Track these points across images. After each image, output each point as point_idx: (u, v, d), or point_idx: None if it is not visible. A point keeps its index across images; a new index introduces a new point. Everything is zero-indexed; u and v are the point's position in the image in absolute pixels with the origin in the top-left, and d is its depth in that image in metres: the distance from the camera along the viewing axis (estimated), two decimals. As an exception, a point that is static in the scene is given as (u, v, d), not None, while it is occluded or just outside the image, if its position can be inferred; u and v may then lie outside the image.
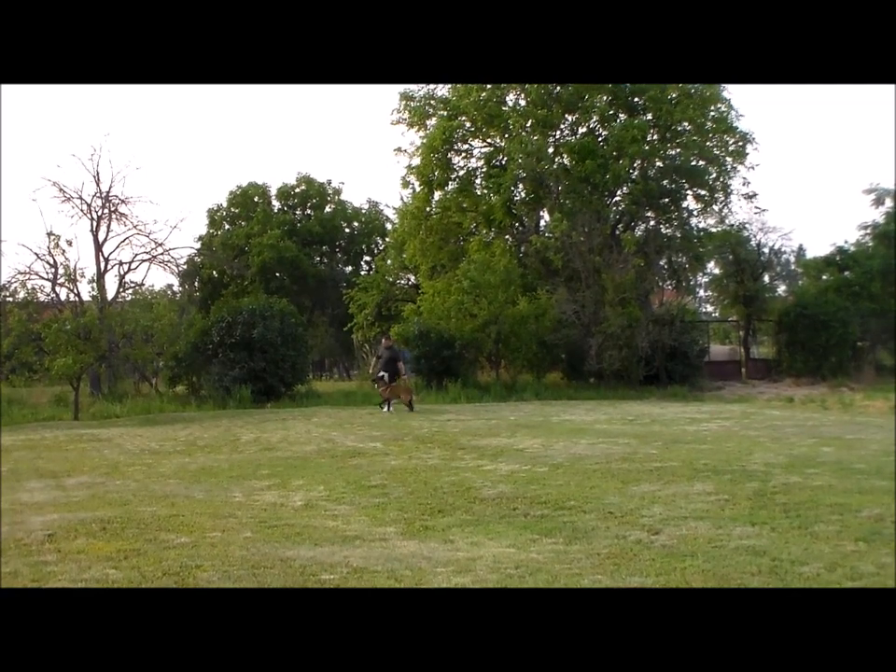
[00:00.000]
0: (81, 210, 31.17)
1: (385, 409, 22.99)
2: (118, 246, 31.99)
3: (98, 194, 31.24)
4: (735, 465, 11.73)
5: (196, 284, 50.02)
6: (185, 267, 41.58)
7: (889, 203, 39.76)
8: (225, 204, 52.45)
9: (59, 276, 29.30)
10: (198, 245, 48.71)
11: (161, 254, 32.67)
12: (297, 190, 52.69)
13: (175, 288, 47.60)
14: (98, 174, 31.22)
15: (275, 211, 52.08)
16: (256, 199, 52.05)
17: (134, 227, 31.58)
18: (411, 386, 25.55)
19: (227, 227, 52.37)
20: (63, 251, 28.84)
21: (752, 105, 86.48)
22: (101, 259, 31.42)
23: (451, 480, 11.29)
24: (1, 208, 54.30)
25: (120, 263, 31.88)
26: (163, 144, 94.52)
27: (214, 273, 49.90)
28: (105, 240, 31.64)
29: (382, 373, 23.47)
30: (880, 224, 38.83)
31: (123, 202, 31.45)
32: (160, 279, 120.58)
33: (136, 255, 31.98)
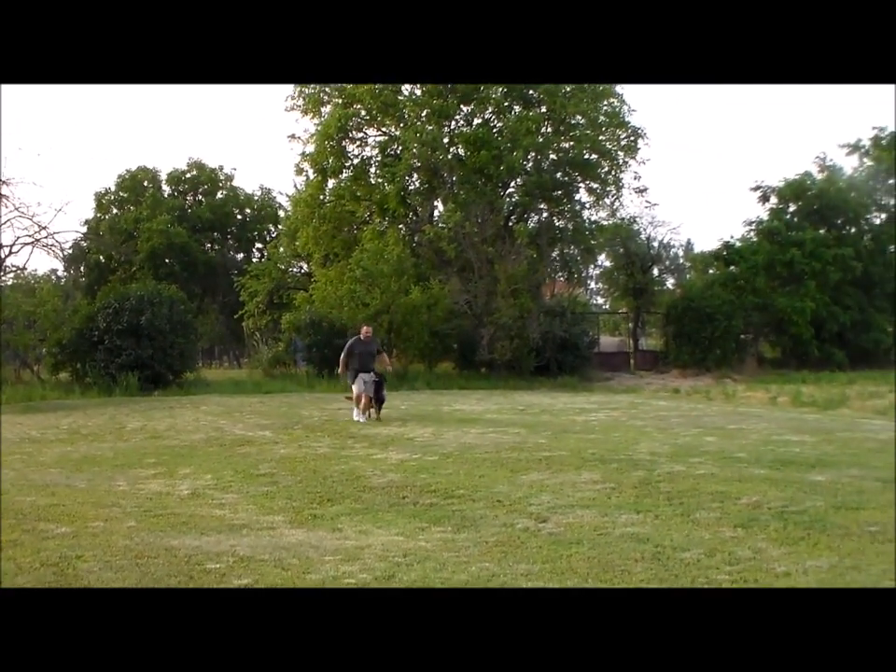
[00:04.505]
0: (-41, 191, 30.14)
1: (361, 417, 17.05)
2: (-2, 229, 31.05)
3: (-24, 175, 30.23)
4: (621, 454, 11.91)
5: (82, 269, 48.98)
6: (70, 251, 40.61)
7: (773, 200, 40.87)
8: (113, 188, 51.46)
9: (-66, 258, 28.37)
10: (84, 230, 47.73)
11: (45, 237, 31.79)
12: (188, 176, 52.00)
13: (60, 273, 46.58)
14: (-23, 154, 30.27)
15: (165, 196, 51.30)
16: (145, 183, 51.20)
17: (16, 209, 30.65)
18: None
19: (115, 211, 51.41)
20: (-61, 233, 27.93)
21: (643, 101, 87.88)
22: (-21, 241, 30.45)
23: (340, 469, 11.24)
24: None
25: (1, 246, 30.94)
26: (49, 124, 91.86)
27: (101, 257, 48.90)
28: (-15, 223, 30.66)
29: (363, 377, 17.16)
30: (765, 220, 39.88)
31: (5, 183, 30.50)
32: (43, 263, 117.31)
33: (18, 238, 31.07)
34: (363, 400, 17.05)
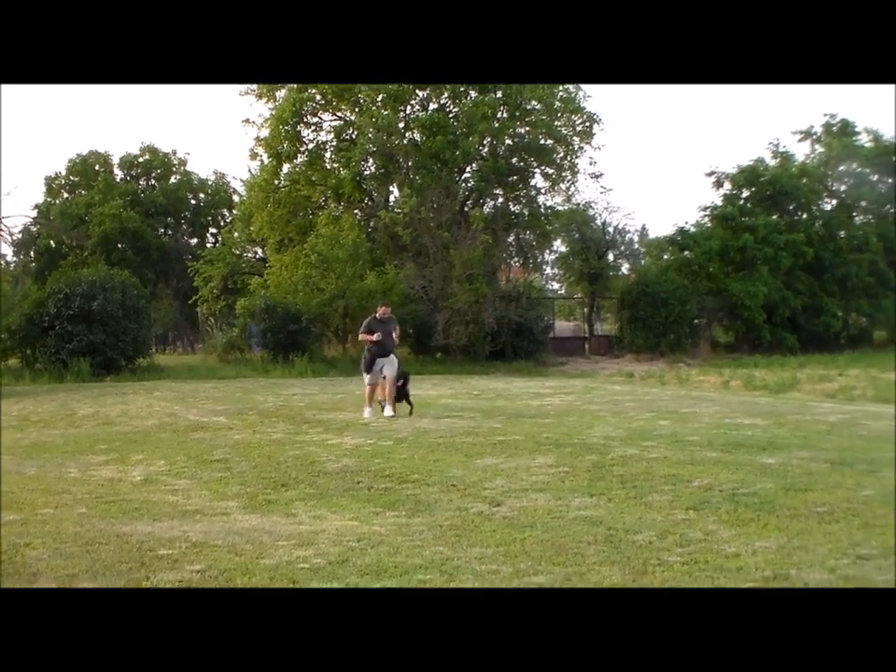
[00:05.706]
0: None
1: (389, 411, 14.86)
2: (-56, 214, 30.60)
3: (-76, 158, 29.74)
4: (575, 438, 11.96)
5: (32, 254, 48.36)
6: (20, 236, 40.11)
7: (727, 186, 41.20)
8: (64, 172, 50.79)
9: None
10: (34, 214, 47.04)
11: (-7, 222, 31.37)
12: (140, 160, 51.45)
13: (9, 258, 45.97)
14: (-76, 136, 29.76)
15: (118, 181, 50.68)
16: (97, 167, 50.57)
17: (-36, 193, 30.25)
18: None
19: (66, 196, 50.73)
20: None
21: (598, 87, 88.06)
22: (-74, 226, 29.99)
23: (295, 454, 11.19)
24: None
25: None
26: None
27: (51, 242, 48.30)
28: (-69, 207, 30.19)
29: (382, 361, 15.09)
30: (719, 206, 40.20)
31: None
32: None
33: (-35, 222, 30.64)
34: (381, 391, 15.11)
